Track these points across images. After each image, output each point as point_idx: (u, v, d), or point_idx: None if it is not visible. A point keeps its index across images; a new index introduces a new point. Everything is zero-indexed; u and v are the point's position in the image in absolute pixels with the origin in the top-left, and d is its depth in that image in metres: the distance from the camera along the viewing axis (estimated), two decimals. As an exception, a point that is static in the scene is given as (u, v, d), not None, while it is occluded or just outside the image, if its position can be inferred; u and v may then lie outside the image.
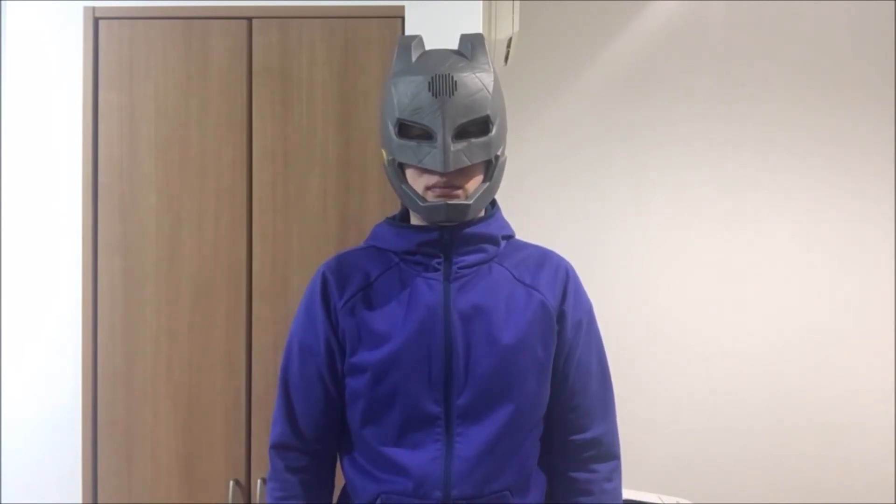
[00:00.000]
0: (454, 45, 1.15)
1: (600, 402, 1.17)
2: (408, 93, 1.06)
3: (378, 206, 1.60)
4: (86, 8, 1.64)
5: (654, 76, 2.64)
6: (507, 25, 1.96)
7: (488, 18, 1.86)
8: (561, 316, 1.14)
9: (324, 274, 1.17)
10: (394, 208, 1.55)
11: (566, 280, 1.16)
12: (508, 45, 2.10)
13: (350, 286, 1.14)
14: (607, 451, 1.17)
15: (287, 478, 1.15)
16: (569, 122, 2.66)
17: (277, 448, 1.16)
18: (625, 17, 2.65)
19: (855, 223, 2.60)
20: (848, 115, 2.60)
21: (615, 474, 1.17)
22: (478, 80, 1.06)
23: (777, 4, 2.62)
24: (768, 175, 2.62)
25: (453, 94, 1.04)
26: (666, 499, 2.10)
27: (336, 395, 1.15)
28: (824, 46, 2.61)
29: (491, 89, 1.07)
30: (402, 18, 1.62)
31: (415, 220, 1.17)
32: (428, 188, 1.08)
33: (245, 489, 1.61)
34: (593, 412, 1.16)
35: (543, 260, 1.18)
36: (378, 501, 1.08)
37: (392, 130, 1.08)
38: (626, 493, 2.10)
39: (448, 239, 1.11)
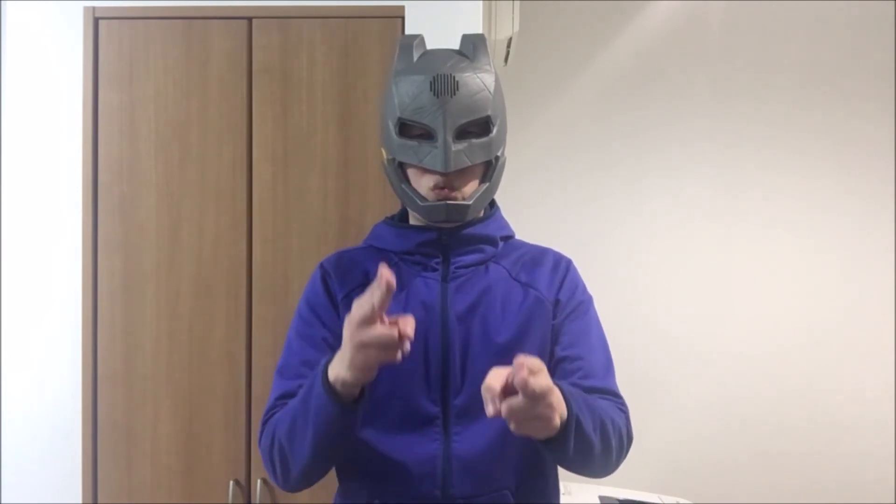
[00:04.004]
0: (454, 46, 1.15)
1: (605, 386, 1.10)
2: (409, 92, 1.06)
3: (378, 206, 1.60)
4: (86, 8, 1.64)
5: (654, 76, 2.64)
6: (507, 25, 1.96)
7: (488, 18, 1.86)
8: (557, 303, 1.12)
9: (323, 267, 1.16)
10: (394, 208, 1.54)
11: (565, 273, 1.16)
12: (508, 45, 2.10)
13: (349, 281, 1.13)
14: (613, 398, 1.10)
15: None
16: (569, 122, 2.66)
17: (269, 411, 1.08)
18: (625, 17, 2.65)
19: (855, 222, 2.60)
20: (848, 114, 2.60)
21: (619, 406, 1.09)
22: (479, 80, 1.06)
23: (777, 4, 2.62)
24: (768, 174, 2.62)
25: (455, 94, 1.04)
26: (666, 499, 2.10)
27: None
28: (824, 46, 2.61)
29: (492, 90, 1.07)
30: (402, 18, 1.62)
31: (413, 220, 1.17)
32: (428, 188, 1.08)
33: (245, 489, 1.61)
34: (596, 385, 1.10)
35: (542, 258, 1.18)
36: (376, 501, 1.08)
37: (393, 130, 1.08)
38: (626, 494, 2.11)
39: (447, 239, 1.11)
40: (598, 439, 0.95)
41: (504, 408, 0.79)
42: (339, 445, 0.99)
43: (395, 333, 0.83)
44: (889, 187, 2.60)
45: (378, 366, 0.89)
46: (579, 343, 1.11)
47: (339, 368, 0.90)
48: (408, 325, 0.85)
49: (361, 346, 0.85)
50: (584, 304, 1.15)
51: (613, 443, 1.00)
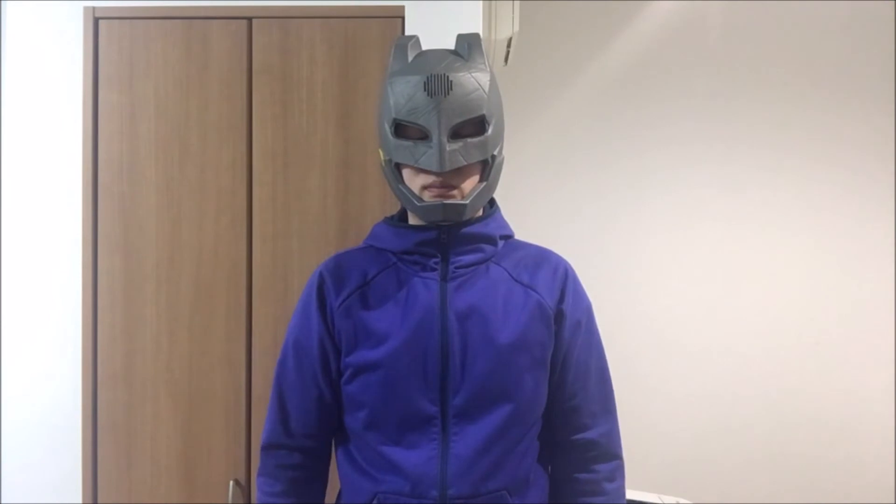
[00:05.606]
0: (454, 46, 1.15)
1: (600, 402, 1.18)
2: (404, 93, 1.06)
3: (378, 206, 1.60)
4: (86, 8, 1.64)
5: (654, 76, 2.64)
6: (507, 25, 1.96)
7: (488, 18, 1.86)
8: (559, 315, 1.14)
9: (321, 274, 1.17)
10: (394, 208, 1.55)
11: (565, 279, 1.16)
12: (508, 45, 2.09)
13: (347, 286, 1.14)
14: (608, 451, 1.17)
15: (278, 474, 1.15)
16: (569, 122, 2.66)
17: (267, 448, 1.17)
18: (625, 17, 2.65)
19: (855, 223, 2.60)
20: (848, 114, 2.60)
21: (617, 473, 1.18)
22: (474, 79, 1.06)
23: (776, 4, 2.62)
24: (768, 174, 2.62)
25: (449, 93, 1.04)
26: (666, 499, 2.10)
27: (330, 397, 1.15)
28: (824, 46, 2.61)
29: (487, 89, 1.07)
30: (402, 18, 1.62)
31: (413, 219, 1.17)
32: (424, 188, 1.08)
33: (245, 489, 1.61)
34: (594, 412, 1.16)
35: (542, 260, 1.18)
36: (375, 501, 1.08)
37: (388, 130, 1.08)
38: (627, 493, 2.10)
39: (446, 239, 1.11)
40: None
41: None
42: None
43: None
44: (889, 187, 2.60)
45: None
46: (578, 379, 1.16)
47: None
48: None
49: None
50: (582, 321, 1.17)
51: None
